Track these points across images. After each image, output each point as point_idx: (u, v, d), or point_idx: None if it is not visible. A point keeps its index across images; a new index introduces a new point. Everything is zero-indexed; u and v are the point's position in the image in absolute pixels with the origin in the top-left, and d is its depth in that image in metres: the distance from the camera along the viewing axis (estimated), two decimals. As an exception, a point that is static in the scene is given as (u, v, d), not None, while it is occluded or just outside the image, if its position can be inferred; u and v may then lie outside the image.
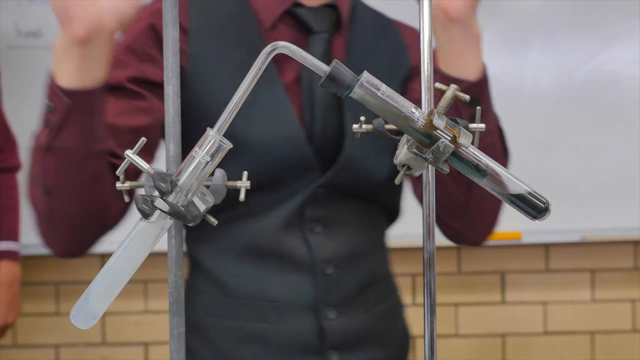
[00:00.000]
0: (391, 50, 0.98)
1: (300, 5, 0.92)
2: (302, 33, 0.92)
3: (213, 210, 0.92)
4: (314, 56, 0.87)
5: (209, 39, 0.92)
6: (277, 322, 0.93)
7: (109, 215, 0.85)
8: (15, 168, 1.78)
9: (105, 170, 0.81)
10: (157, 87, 0.86)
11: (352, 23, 0.96)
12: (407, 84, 0.97)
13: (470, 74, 0.82)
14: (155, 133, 0.88)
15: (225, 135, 0.93)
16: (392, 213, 1.03)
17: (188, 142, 0.90)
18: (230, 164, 0.90)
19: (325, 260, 0.92)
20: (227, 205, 0.91)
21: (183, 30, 0.90)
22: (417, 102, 0.92)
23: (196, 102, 0.89)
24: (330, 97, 0.91)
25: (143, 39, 0.89)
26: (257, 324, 0.93)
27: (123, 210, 0.86)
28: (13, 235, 1.71)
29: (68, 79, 0.76)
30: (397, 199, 1.01)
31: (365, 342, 0.96)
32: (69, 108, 0.75)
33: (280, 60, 0.91)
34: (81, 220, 0.83)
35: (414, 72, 0.97)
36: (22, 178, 1.87)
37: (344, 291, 0.94)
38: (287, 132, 0.89)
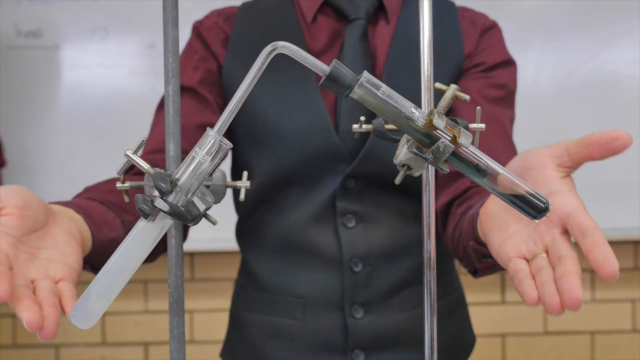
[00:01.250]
0: (445, 37, 0.94)
1: None
2: (341, 22, 0.93)
3: (249, 206, 0.96)
4: (348, 42, 0.91)
5: (250, 41, 0.94)
6: (303, 318, 0.93)
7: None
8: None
9: None
10: (216, 87, 0.94)
11: (403, 9, 0.95)
12: (460, 74, 0.94)
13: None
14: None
15: (258, 126, 0.93)
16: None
17: (235, 141, 0.95)
18: (262, 155, 0.93)
19: (354, 257, 0.91)
20: (262, 200, 0.94)
21: (224, 41, 0.95)
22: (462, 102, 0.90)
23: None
24: None
25: (198, 41, 0.96)
26: (286, 320, 0.94)
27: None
28: None
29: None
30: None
31: (400, 344, 0.93)
32: (91, 265, 0.71)
33: (318, 52, 0.92)
34: None
35: (467, 61, 0.93)
36: (6, 174, 1.87)
37: (374, 290, 0.92)
38: (317, 122, 0.89)
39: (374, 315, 0.92)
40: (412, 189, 0.90)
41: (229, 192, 1.02)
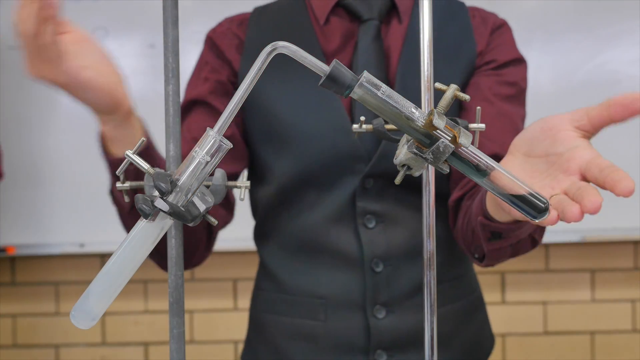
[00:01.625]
0: (457, 36, 0.95)
1: None
2: (354, 23, 0.94)
3: (268, 208, 0.98)
4: (362, 43, 0.92)
5: (264, 44, 0.93)
6: (325, 319, 0.93)
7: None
8: None
9: None
10: (230, 97, 0.94)
11: (415, 9, 0.95)
12: (472, 71, 0.94)
13: (502, 220, 0.74)
14: (238, 141, 0.95)
15: (276, 129, 0.95)
16: None
17: (253, 147, 0.97)
18: (280, 157, 0.93)
19: (375, 257, 0.91)
20: (281, 202, 0.95)
21: (238, 47, 0.96)
22: (480, 98, 0.91)
23: (254, 112, 0.94)
24: None
25: (210, 52, 0.97)
26: (307, 321, 0.94)
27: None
28: None
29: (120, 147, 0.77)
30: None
31: (422, 343, 0.94)
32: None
33: (332, 53, 0.93)
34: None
35: (479, 58, 0.94)
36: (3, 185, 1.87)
37: (395, 290, 0.92)
38: (336, 123, 0.89)
39: (396, 315, 0.92)
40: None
41: (246, 197, 1.03)
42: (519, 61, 0.97)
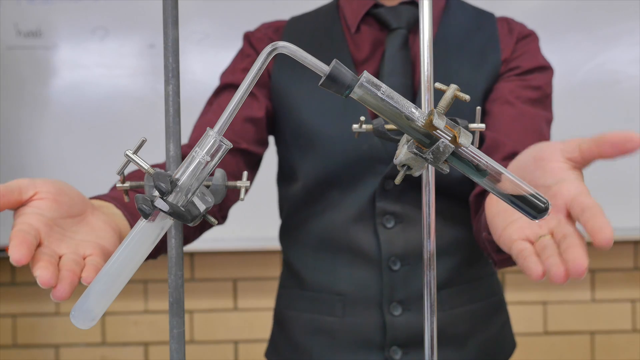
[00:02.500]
0: (482, 45, 0.97)
1: (379, 5, 0.97)
2: (383, 32, 0.96)
3: (293, 207, 1.00)
4: (389, 51, 0.94)
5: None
6: (343, 315, 0.95)
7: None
8: None
9: None
10: (265, 89, 0.98)
11: (443, 19, 0.97)
12: (496, 78, 0.96)
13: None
14: (263, 126, 0.98)
15: (303, 132, 0.99)
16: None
17: (283, 144, 1.00)
18: (306, 158, 0.96)
19: (393, 256, 0.93)
20: (305, 201, 0.98)
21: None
22: (499, 100, 0.92)
23: (283, 114, 0.97)
24: (397, 89, 0.92)
25: (251, 49, 1.00)
26: (326, 317, 0.97)
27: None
28: None
29: None
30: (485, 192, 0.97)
31: (437, 343, 0.94)
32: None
33: (362, 61, 0.95)
34: None
35: (503, 65, 0.96)
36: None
37: (411, 288, 0.93)
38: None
39: (412, 312, 0.93)
40: (451, 189, 0.93)
41: (275, 196, 1.07)
42: (545, 68, 0.98)
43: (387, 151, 0.92)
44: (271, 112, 0.99)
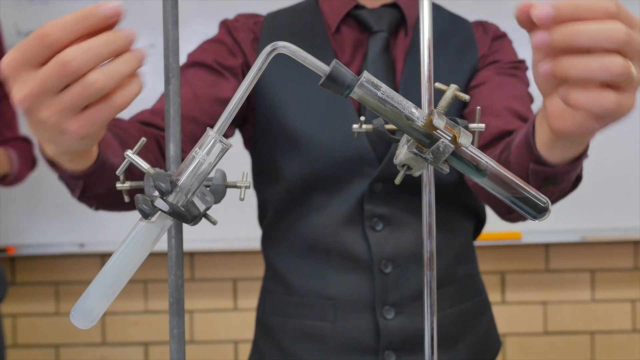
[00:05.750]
0: (460, 45, 0.98)
1: (361, 7, 0.96)
2: (364, 34, 0.95)
3: (276, 210, 0.97)
4: (371, 54, 0.93)
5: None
6: (334, 320, 0.94)
7: None
8: None
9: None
10: (234, 75, 0.94)
11: (418, 22, 0.97)
12: (475, 73, 0.97)
13: (557, 161, 0.69)
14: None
15: (288, 134, 0.96)
16: (472, 213, 1.00)
17: (263, 145, 0.97)
18: (291, 159, 0.94)
19: (384, 259, 0.92)
20: (290, 203, 0.95)
21: (253, 42, 0.96)
22: (482, 86, 0.93)
23: (266, 110, 0.95)
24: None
25: (227, 36, 0.97)
26: (316, 322, 0.95)
27: None
28: None
29: (70, 167, 0.67)
30: (472, 196, 0.96)
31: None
32: (84, 181, 0.69)
33: (343, 61, 0.94)
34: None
35: (481, 61, 0.97)
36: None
37: (404, 291, 0.93)
38: (346, 126, 0.90)
39: (405, 316, 0.92)
40: (440, 193, 0.92)
41: (254, 201, 1.03)
42: (521, 62, 0.99)
43: (376, 153, 0.91)
44: (245, 106, 0.95)
